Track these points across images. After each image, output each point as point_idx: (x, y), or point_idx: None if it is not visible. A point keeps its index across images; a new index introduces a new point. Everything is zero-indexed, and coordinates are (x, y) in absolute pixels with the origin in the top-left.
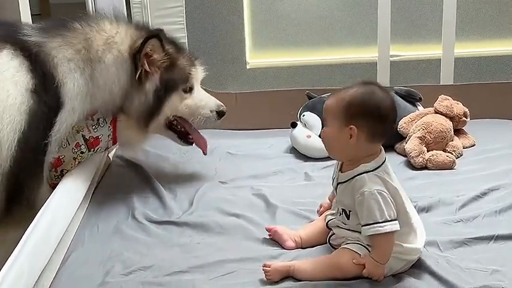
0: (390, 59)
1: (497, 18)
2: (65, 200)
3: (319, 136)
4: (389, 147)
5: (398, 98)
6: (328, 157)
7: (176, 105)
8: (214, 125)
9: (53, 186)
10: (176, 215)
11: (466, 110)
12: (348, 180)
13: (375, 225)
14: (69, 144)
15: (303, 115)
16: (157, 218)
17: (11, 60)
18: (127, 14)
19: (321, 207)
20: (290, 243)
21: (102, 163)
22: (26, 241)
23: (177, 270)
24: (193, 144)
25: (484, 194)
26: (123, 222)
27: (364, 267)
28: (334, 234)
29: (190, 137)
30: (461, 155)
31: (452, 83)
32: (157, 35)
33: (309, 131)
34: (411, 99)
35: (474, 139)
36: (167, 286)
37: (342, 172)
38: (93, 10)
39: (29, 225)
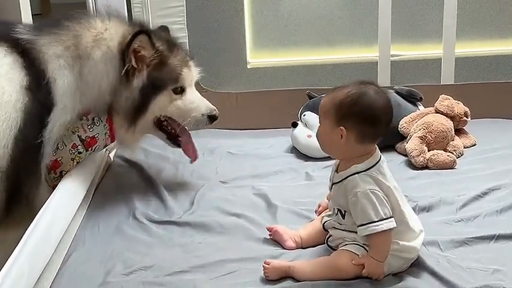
0: (391, 58)
1: (498, 18)
2: (65, 200)
3: None
4: (390, 147)
5: (399, 97)
6: (329, 157)
7: (165, 105)
8: (205, 127)
9: (53, 188)
10: (177, 214)
11: (467, 109)
12: (341, 180)
13: (370, 224)
14: (65, 146)
15: (304, 115)
16: (158, 218)
17: (4, 57)
18: (128, 14)
19: (319, 207)
20: (290, 243)
21: (103, 163)
22: (26, 241)
23: (178, 270)
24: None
25: (485, 193)
26: (124, 222)
27: (364, 267)
28: (331, 235)
29: (180, 139)
30: (462, 155)
31: (453, 83)
32: (147, 31)
33: (310, 131)
34: (412, 98)
35: (475, 139)
36: (168, 286)
37: (337, 172)
38: (93, 10)
39: (29, 225)
